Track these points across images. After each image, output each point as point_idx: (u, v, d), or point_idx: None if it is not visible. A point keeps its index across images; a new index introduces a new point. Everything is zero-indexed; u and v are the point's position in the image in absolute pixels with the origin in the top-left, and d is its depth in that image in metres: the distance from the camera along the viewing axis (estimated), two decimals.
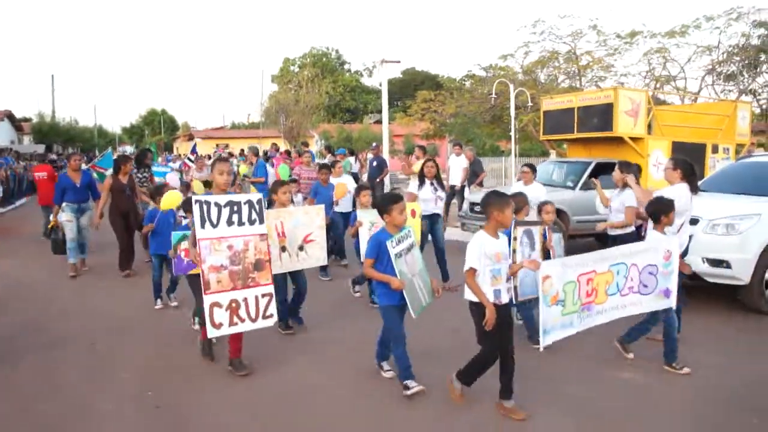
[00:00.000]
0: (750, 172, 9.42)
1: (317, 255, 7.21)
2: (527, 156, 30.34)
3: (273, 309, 5.40)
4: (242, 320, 5.24)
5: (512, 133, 20.24)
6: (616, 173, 7.55)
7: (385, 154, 16.32)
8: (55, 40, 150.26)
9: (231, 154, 24.95)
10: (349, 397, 5.14)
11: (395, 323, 5.01)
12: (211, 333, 5.17)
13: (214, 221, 5.10)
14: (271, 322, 5.43)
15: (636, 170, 7.58)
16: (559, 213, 10.97)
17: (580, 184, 11.88)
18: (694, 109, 16.60)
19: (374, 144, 16.84)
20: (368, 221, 7.53)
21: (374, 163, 14.83)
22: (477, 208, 11.92)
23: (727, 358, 6.07)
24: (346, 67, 68.54)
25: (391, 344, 5.15)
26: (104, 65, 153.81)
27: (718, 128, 14.39)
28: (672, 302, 5.57)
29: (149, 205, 9.85)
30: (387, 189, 14.10)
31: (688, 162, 6.64)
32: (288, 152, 23.56)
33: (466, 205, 12.93)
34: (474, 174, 14.48)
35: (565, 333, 4.85)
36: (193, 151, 20.39)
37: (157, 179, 13.10)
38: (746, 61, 22.54)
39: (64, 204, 10.01)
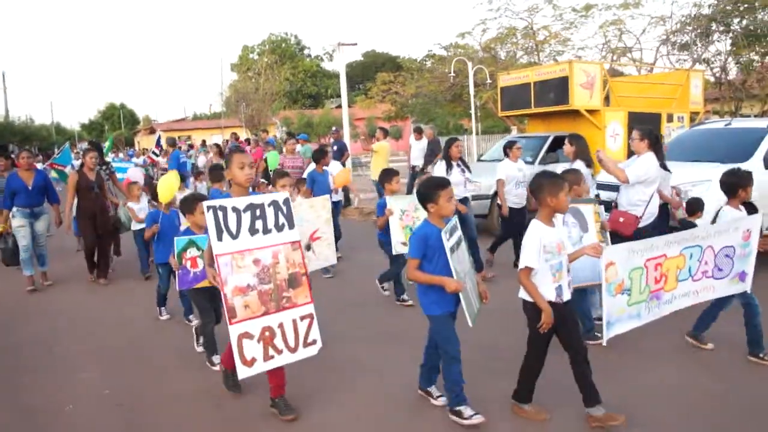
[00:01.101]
0: (702, 140, 9.56)
1: (326, 254, 6.54)
2: (490, 134, 30.47)
3: (316, 333, 4.34)
4: (279, 352, 4.18)
5: (472, 111, 20.31)
6: (567, 146, 7.58)
7: (346, 138, 16.20)
8: (5, 36, 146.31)
9: (191, 146, 24.60)
10: None
11: (450, 336, 4.18)
12: (244, 373, 4.07)
13: (234, 231, 4.07)
14: (314, 350, 4.34)
15: (584, 143, 7.59)
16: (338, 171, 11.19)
17: (539, 159, 11.96)
18: (648, 80, 16.82)
19: (334, 128, 16.75)
20: (399, 209, 6.91)
21: (335, 148, 14.71)
22: None
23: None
24: (305, 52, 67.96)
25: (443, 363, 4.27)
26: (59, 60, 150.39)
27: (673, 97, 14.60)
28: (747, 286, 5.12)
29: (120, 206, 9.49)
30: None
31: (654, 132, 6.65)
32: (248, 141, 23.36)
33: None
34: (432, 153, 14.50)
35: (631, 325, 4.36)
36: (158, 144, 19.36)
37: (118, 175, 12.83)
38: (699, 31, 22.82)
39: (14, 209, 8.72)
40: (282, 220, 4.29)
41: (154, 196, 8.40)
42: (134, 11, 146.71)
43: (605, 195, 7.86)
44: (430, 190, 4.17)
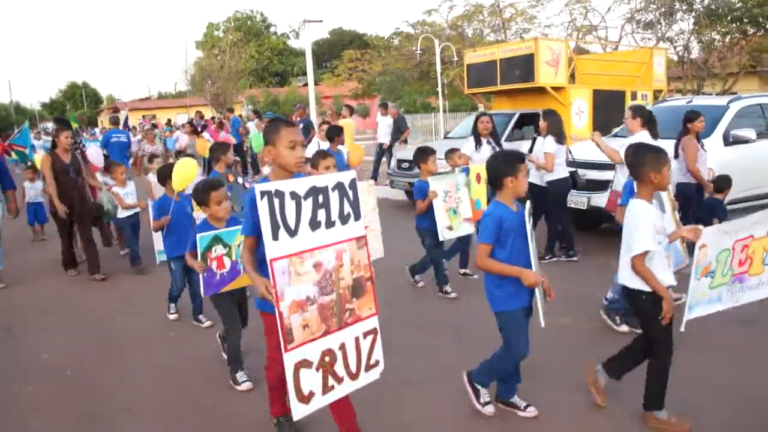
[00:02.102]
0: (664, 117, 9.67)
1: (375, 247, 5.55)
2: (458, 111, 30.54)
3: (379, 352, 3.39)
4: (339, 380, 3.23)
5: (439, 89, 20.28)
6: (541, 122, 7.58)
7: (313, 117, 16.07)
8: None
9: (155, 125, 24.20)
10: None
11: (522, 336, 3.70)
12: (300, 412, 3.05)
13: (292, 225, 3.03)
14: (376, 373, 3.40)
15: (557, 119, 7.61)
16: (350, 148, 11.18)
17: (505, 136, 11.98)
18: (613, 58, 16.93)
19: (298, 105, 16.60)
20: (442, 191, 6.27)
21: (300, 126, 14.61)
22: (405, 165, 11.92)
23: None
24: (272, 30, 67.15)
25: (500, 354, 3.81)
26: (17, 37, 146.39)
27: (636, 75, 14.74)
28: None
29: (101, 190, 8.44)
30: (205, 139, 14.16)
31: (647, 109, 6.56)
32: (213, 119, 23.04)
33: (393, 162, 12.92)
34: (398, 131, 14.51)
35: (711, 309, 3.95)
36: (125, 124, 18.24)
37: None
38: (663, 10, 23.05)
39: None
40: (347, 208, 3.29)
41: (162, 180, 7.15)
42: None
43: (587, 174, 7.97)
44: (510, 165, 3.66)
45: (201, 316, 5.91)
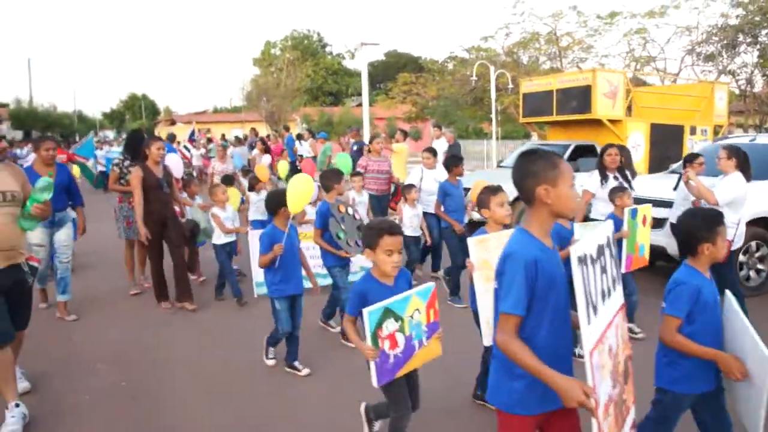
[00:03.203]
0: (759, 156, 9.41)
1: None
2: (510, 138, 30.46)
3: None
4: None
5: (493, 116, 20.26)
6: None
7: (366, 139, 16.21)
8: (32, 24, 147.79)
9: (210, 140, 24.60)
10: None
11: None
12: None
13: (594, 299, 2.36)
14: None
15: (629, 154, 7.36)
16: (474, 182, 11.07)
17: None
18: (672, 91, 16.69)
19: (353, 127, 16.75)
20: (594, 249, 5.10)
21: (354, 148, 14.73)
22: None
23: None
24: (327, 49, 68.16)
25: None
26: (83, 49, 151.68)
27: (696, 109, 14.48)
28: None
29: (194, 208, 7.92)
30: (286, 162, 14.20)
31: (743, 150, 6.19)
32: (268, 137, 23.39)
33: None
34: (453, 157, 14.46)
35: None
36: (191, 137, 17.19)
37: None
38: (725, 42, 22.62)
39: None
40: (613, 269, 2.68)
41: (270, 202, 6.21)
42: (159, 2, 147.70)
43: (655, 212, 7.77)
44: (710, 229, 3.13)
45: (297, 363, 5.27)
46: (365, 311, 3.18)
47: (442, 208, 7.32)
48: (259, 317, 6.44)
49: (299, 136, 18.04)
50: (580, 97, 12.75)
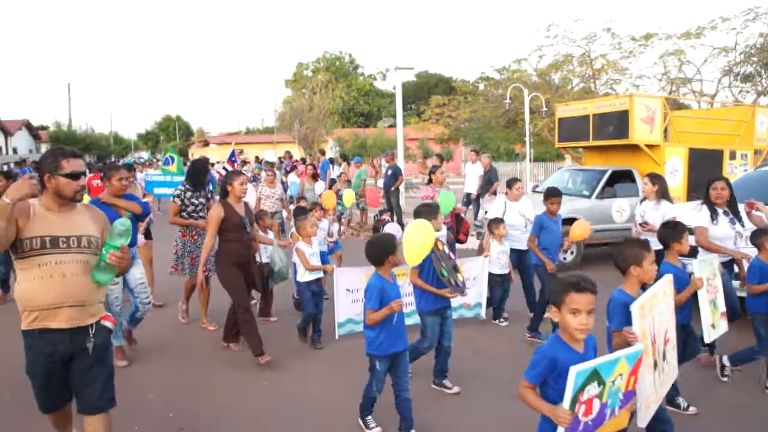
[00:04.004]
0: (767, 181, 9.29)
1: (674, 363, 3.99)
2: (542, 160, 30.30)
3: None
4: None
5: (527, 139, 20.18)
6: (648, 186, 7.14)
7: (400, 161, 16.26)
8: (71, 50, 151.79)
9: (245, 162, 24.78)
10: None
11: None
12: None
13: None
14: None
15: (665, 182, 7.24)
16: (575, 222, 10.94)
17: (596, 193, 11.80)
18: (711, 115, 16.44)
19: (389, 152, 16.77)
20: (704, 278, 4.94)
21: (389, 172, 14.80)
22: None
23: None
24: (359, 71, 68.60)
25: None
26: (119, 73, 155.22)
27: (736, 134, 14.24)
28: None
29: (274, 247, 7.10)
30: (402, 197, 14.02)
31: None
32: (302, 160, 23.57)
33: (481, 214, 12.88)
34: (489, 182, 14.42)
35: None
36: (232, 158, 15.42)
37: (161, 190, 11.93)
38: (764, 62, 22.31)
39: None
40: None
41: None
42: (191, 27, 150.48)
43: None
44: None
45: (369, 419, 4.75)
46: (574, 370, 2.75)
47: (537, 242, 6.88)
48: (343, 370, 6.00)
49: (331, 161, 18.13)
50: (616, 122, 12.63)
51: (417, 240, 4.71)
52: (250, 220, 6.52)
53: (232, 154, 15.56)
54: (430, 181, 9.12)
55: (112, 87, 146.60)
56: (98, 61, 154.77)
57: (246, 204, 6.57)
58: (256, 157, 28.88)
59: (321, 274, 6.88)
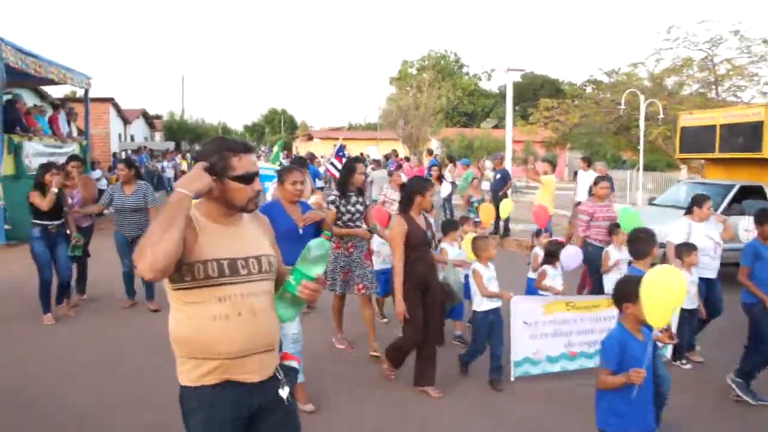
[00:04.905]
0: None
1: None
2: (652, 169, 28.98)
3: None
4: None
5: (641, 147, 19.33)
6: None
7: (508, 164, 15.94)
8: (186, 44, 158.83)
9: (358, 158, 24.48)
10: None
11: None
12: None
13: None
14: None
15: None
16: None
17: (721, 209, 11.10)
18: None
19: (497, 156, 16.39)
20: None
21: (497, 176, 14.51)
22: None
23: None
24: (464, 70, 68.05)
25: None
26: (229, 66, 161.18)
27: None
28: None
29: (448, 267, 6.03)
30: (510, 200, 13.65)
31: None
32: (407, 158, 23.53)
33: None
34: None
35: None
36: (340, 153, 14.65)
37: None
38: None
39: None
40: None
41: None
42: (298, 22, 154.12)
43: None
44: None
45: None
46: None
47: (750, 275, 5.65)
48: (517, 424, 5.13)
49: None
50: (748, 134, 11.86)
51: (667, 293, 3.36)
52: (432, 234, 5.76)
53: (340, 149, 14.87)
54: (591, 194, 8.30)
55: (222, 80, 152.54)
56: (210, 55, 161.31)
57: (425, 216, 5.77)
58: (360, 154, 29.03)
59: (499, 303, 5.81)
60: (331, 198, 6.44)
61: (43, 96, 22.60)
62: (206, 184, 2.46)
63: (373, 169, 18.30)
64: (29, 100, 18.39)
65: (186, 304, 2.49)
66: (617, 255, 7.06)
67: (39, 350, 6.67)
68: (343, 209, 6.33)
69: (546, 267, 6.74)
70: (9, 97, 14.03)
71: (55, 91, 25.59)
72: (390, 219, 7.53)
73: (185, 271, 2.42)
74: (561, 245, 7.18)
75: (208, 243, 2.49)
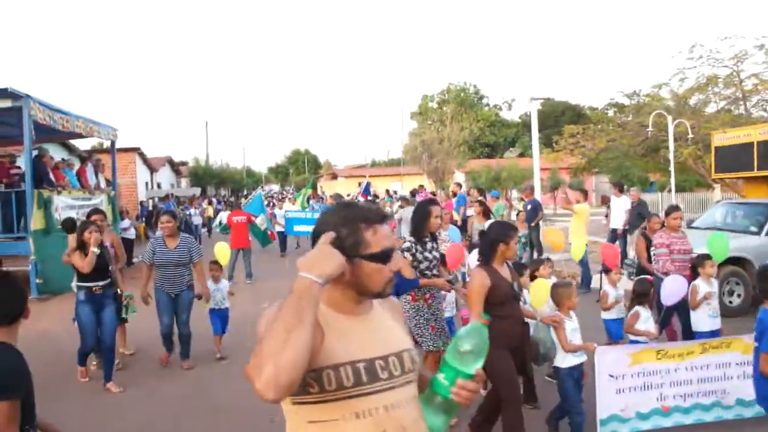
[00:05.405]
0: None
1: None
2: (681, 190, 28.44)
3: None
4: None
5: (671, 168, 18.96)
6: None
7: (537, 193, 15.68)
8: (209, 90, 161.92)
9: (376, 196, 24.53)
10: None
11: None
12: None
13: None
14: None
15: None
16: (743, 262, 9.93)
17: (766, 229, 10.71)
18: None
19: (527, 186, 16.11)
20: None
21: (528, 207, 14.24)
22: None
23: None
24: (484, 101, 68.17)
25: None
26: (252, 110, 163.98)
27: None
28: None
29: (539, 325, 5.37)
30: (542, 232, 13.30)
31: None
32: (433, 193, 23.35)
33: (633, 253, 11.99)
34: (640, 217, 13.21)
35: None
36: (366, 192, 14.65)
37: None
38: None
39: None
40: None
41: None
42: (318, 63, 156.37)
43: None
44: None
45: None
46: None
47: None
48: None
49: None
50: None
51: None
52: (520, 286, 5.02)
53: (367, 187, 14.98)
54: (663, 225, 7.87)
55: (245, 123, 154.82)
56: (232, 99, 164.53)
57: (508, 265, 5.03)
58: (387, 191, 28.92)
59: (585, 357, 5.21)
60: (407, 245, 5.78)
61: (70, 149, 22.92)
62: (339, 265, 1.86)
63: (401, 206, 17.36)
64: (57, 153, 18.63)
65: (311, 424, 1.91)
66: (706, 288, 6.60)
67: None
68: (420, 257, 5.73)
69: (638, 308, 6.04)
70: (35, 152, 14.17)
71: (83, 143, 25.97)
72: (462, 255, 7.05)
73: (310, 379, 1.84)
74: (651, 284, 6.61)
75: (339, 341, 1.92)
